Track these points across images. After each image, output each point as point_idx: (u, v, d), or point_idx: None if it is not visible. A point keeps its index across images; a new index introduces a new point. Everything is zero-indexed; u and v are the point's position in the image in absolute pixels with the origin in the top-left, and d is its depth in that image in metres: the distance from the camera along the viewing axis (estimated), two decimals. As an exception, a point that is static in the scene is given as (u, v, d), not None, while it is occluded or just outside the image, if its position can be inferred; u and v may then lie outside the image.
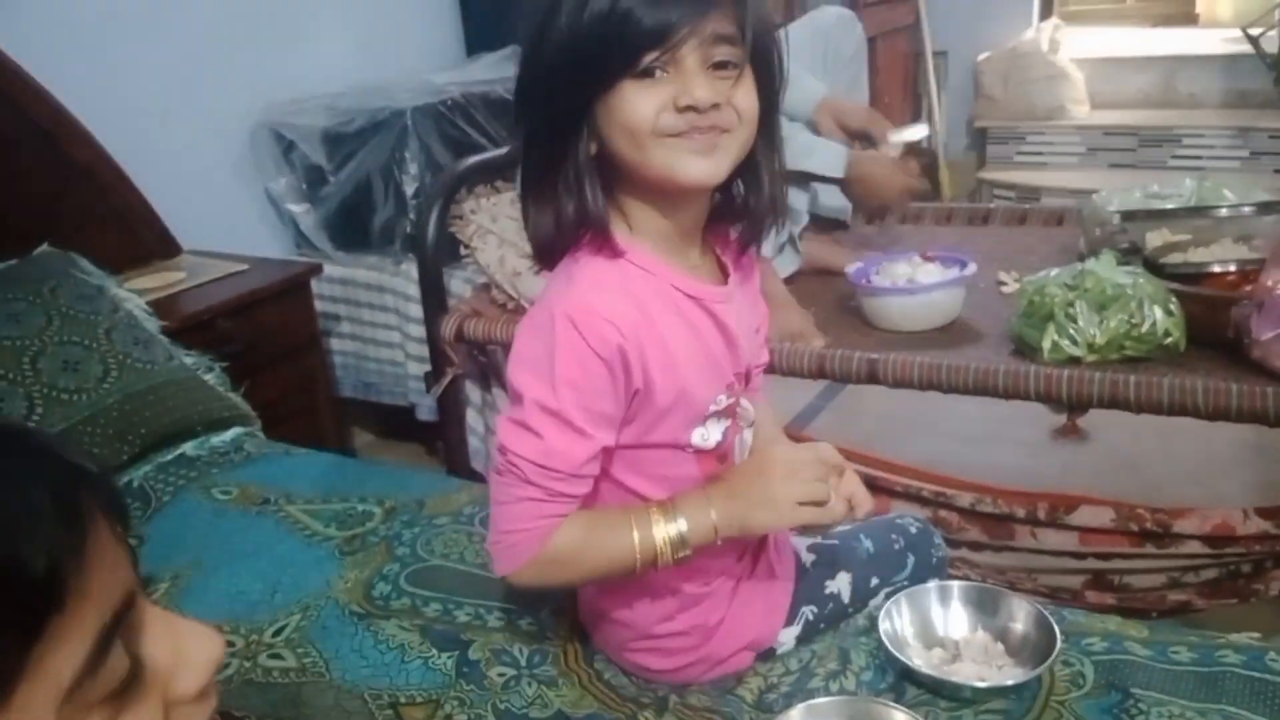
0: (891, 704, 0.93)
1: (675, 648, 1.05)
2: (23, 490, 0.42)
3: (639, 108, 0.84)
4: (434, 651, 1.11)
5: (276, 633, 1.16)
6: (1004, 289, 1.90)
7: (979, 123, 4.18)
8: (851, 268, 1.84)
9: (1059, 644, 0.97)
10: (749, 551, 1.06)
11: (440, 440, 2.23)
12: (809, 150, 1.79)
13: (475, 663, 1.09)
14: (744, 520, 0.91)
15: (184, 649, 0.48)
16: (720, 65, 0.85)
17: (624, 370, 0.88)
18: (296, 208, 2.37)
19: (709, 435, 0.96)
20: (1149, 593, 1.49)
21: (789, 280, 1.91)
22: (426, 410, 2.31)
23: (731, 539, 0.94)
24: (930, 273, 1.80)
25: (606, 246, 0.90)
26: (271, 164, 2.38)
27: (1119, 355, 1.51)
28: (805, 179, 1.86)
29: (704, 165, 0.86)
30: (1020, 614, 1.05)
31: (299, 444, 1.70)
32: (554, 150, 0.89)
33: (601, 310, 0.86)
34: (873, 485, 1.63)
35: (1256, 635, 1.06)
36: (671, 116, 0.84)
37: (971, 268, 1.76)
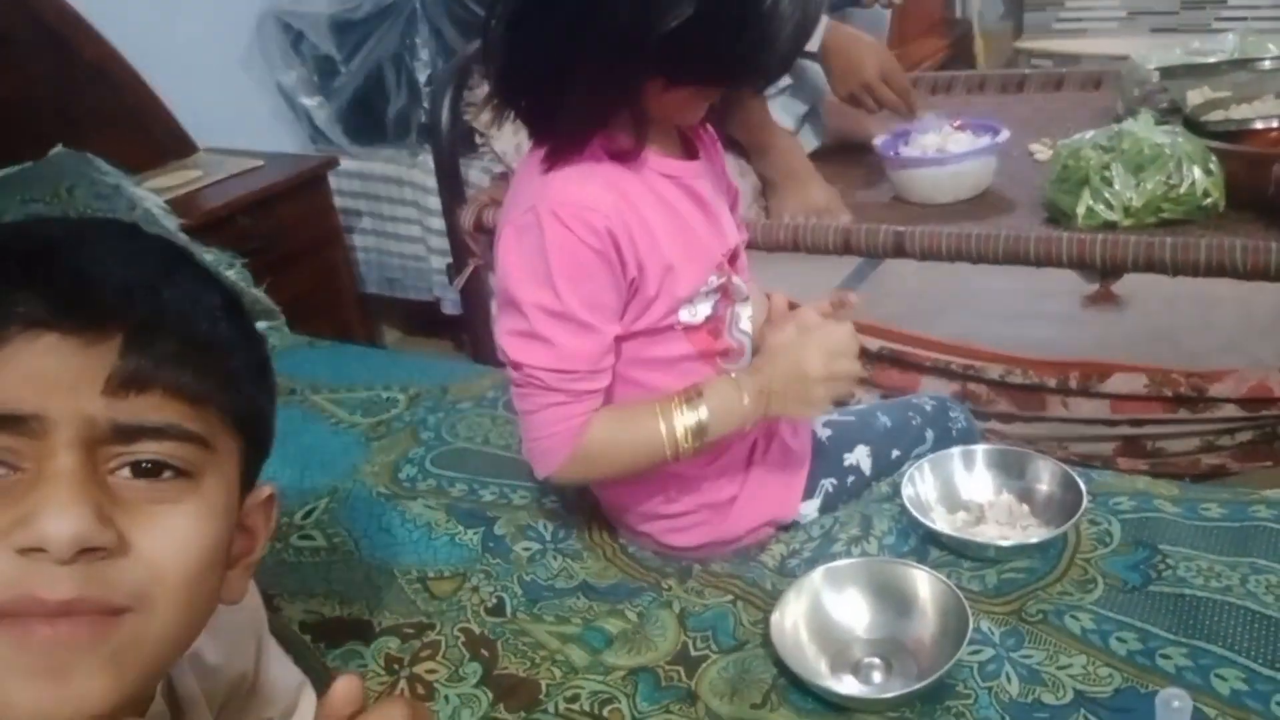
0: (912, 564, 0.92)
1: (687, 525, 1.06)
2: None
3: None
4: (460, 528, 1.12)
5: (306, 515, 1.18)
6: (1037, 157, 1.84)
7: (1015, -11, 4.00)
8: (879, 139, 1.78)
9: (1085, 502, 0.96)
10: (756, 434, 1.06)
11: (466, 334, 2.23)
12: None
13: (501, 538, 1.10)
14: (779, 412, 0.95)
15: None
16: None
17: (617, 253, 0.88)
18: (309, 101, 2.33)
19: (697, 311, 0.96)
20: (1182, 457, 1.47)
21: (814, 155, 1.86)
22: (451, 304, 2.30)
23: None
24: (960, 142, 1.74)
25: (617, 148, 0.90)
26: (280, 56, 2.33)
27: (1156, 218, 1.45)
28: None
29: None
30: (1045, 475, 1.03)
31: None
32: (613, 65, 0.84)
33: (583, 199, 0.86)
34: (901, 361, 1.60)
35: (1291, 491, 1.03)
36: None
37: (1003, 135, 1.70)
